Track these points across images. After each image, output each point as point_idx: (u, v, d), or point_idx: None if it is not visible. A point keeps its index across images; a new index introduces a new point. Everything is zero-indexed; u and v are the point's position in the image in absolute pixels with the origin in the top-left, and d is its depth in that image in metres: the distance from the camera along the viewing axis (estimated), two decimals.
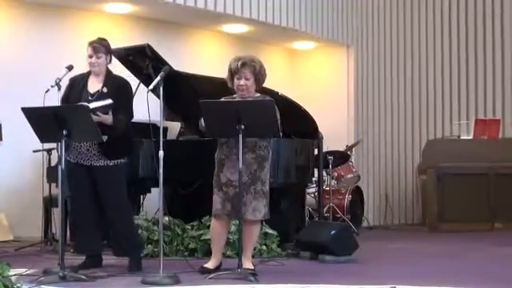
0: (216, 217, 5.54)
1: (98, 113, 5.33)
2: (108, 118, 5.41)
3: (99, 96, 5.53)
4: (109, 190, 5.57)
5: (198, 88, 7.27)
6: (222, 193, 5.47)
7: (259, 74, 5.50)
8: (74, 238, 6.05)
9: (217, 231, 5.59)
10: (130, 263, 5.64)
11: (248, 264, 5.45)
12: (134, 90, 6.00)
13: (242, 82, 5.46)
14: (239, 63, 5.46)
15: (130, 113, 5.57)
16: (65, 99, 5.58)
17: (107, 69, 5.69)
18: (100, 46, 5.60)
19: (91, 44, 5.62)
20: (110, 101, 5.38)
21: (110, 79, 5.65)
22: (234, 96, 5.61)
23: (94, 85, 5.63)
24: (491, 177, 9.77)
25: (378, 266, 6.17)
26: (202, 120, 5.45)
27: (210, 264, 5.52)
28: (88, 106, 5.27)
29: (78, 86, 5.64)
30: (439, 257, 6.98)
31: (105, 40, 5.70)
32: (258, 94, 5.60)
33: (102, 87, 5.59)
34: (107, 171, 5.56)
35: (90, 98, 5.55)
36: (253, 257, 6.22)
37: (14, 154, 7.87)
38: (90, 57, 5.60)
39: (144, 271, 5.42)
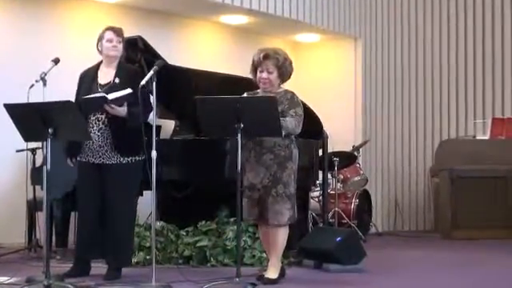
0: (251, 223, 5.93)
1: (112, 105, 5.37)
2: (122, 111, 5.47)
3: (110, 87, 5.57)
4: (116, 190, 5.59)
5: (194, 84, 7.27)
6: (247, 197, 5.55)
7: (283, 67, 5.56)
8: (78, 242, 6.00)
9: (260, 237, 5.89)
10: (109, 271, 5.64)
11: (270, 273, 5.53)
12: None
13: (265, 75, 5.53)
14: (262, 55, 5.53)
15: (147, 105, 5.55)
16: (77, 98, 5.64)
17: (120, 59, 5.76)
18: (120, 31, 5.72)
19: (112, 28, 5.71)
20: (129, 90, 5.42)
21: (123, 69, 5.71)
22: (258, 91, 5.66)
23: (106, 76, 5.68)
24: (509, 180, 9.77)
25: (387, 276, 6.18)
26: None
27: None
28: (106, 97, 5.32)
29: (88, 79, 5.70)
30: (453, 266, 6.98)
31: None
32: (282, 89, 5.64)
33: (114, 77, 5.64)
34: (118, 170, 5.59)
35: (99, 89, 5.59)
36: (252, 265, 6.26)
37: None
38: (111, 41, 5.67)
39: (132, 280, 5.44)
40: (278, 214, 5.49)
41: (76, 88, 5.74)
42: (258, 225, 5.77)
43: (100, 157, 5.60)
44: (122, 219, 5.64)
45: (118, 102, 5.43)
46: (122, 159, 5.61)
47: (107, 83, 5.64)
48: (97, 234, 5.67)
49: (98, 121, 5.55)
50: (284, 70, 5.57)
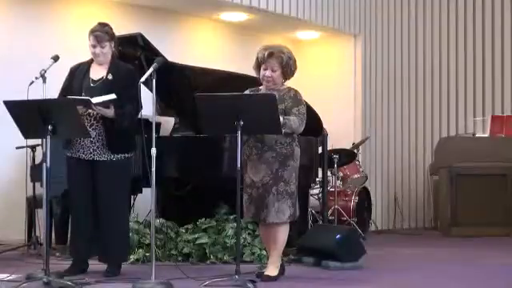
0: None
1: (99, 108, 5.35)
2: (109, 112, 5.44)
3: (103, 83, 5.55)
4: (107, 188, 5.56)
5: (194, 81, 7.27)
6: (247, 195, 5.55)
7: (287, 66, 5.55)
8: (71, 241, 5.99)
9: (261, 235, 5.88)
10: (109, 268, 5.64)
11: (270, 270, 5.54)
12: None
13: (268, 73, 5.53)
14: (266, 53, 5.52)
15: (138, 104, 5.53)
16: (65, 90, 5.61)
17: (112, 55, 5.71)
18: (103, 35, 5.61)
19: (93, 33, 5.62)
20: (113, 96, 5.39)
21: (115, 66, 5.67)
22: (260, 88, 5.66)
23: (98, 72, 5.65)
24: (509, 178, 9.77)
25: (387, 273, 6.18)
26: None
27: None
28: (90, 100, 5.30)
29: (80, 73, 5.67)
30: (452, 264, 6.98)
31: (106, 25, 5.69)
32: (285, 86, 5.64)
33: (107, 74, 5.61)
34: (109, 167, 5.56)
35: (91, 84, 5.57)
36: (251, 262, 6.26)
37: None
38: (94, 47, 5.61)
39: (131, 277, 5.43)
40: (278, 212, 5.48)
41: (64, 81, 5.71)
42: (258, 222, 5.76)
43: (91, 153, 5.58)
44: (114, 216, 5.61)
45: (103, 105, 5.41)
46: (112, 156, 5.58)
47: (100, 79, 5.62)
48: (90, 233, 5.66)
49: (90, 116, 5.51)
50: (288, 69, 5.56)
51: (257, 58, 5.57)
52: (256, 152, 5.50)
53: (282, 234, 5.59)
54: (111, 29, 5.68)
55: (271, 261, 5.59)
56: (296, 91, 5.61)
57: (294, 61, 5.61)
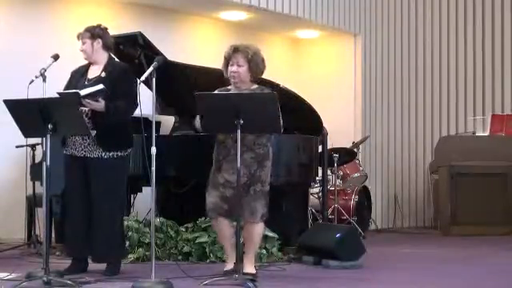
0: (212, 218, 5.65)
1: (88, 101, 5.34)
2: (98, 105, 5.43)
3: (96, 81, 5.57)
4: (98, 186, 5.55)
5: (194, 80, 7.27)
6: (219, 194, 5.51)
7: (252, 62, 5.49)
8: (66, 240, 5.99)
9: (218, 231, 5.72)
10: (108, 267, 5.64)
11: (249, 268, 5.52)
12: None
13: (234, 68, 5.50)
14: (231, 49, 5.52)
15: (132, 100, 5.50)
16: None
17: (109, 56, 5.75)
18: (83, 32, 5.69)
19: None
20: (100, 86, 5.40)
21: (110, 65, 5.71)
22: (229, 88, 5.62)
23: (94, 72, 5.69)
24: (508, 176, 9.78)
25: (387, 272, 6.18)
26: (197, 118, 5.50)
27: (229, 266, 5.62)
28: (79, 93, 5.30)
29: (78, 75, 5.73)
30: (452, 263, 6.99)
31: (95, 26, 5.73)
32: (256, 86, 5.62)
33: (101, 72, 5.64)
34: (100, 164, 5.55)
35: (86, 83, 5.59)
36: None
37: None
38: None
39: (131, 276, 5.43)
40: (253, 211, 5.48)
41: (66, 84, 5.74)
42: (214, 220, 5.65)
43: (82, 150, 5.57)
44: (104, 216, 5.56)
45: (92, 97, 5.39)
46: (103, 154, 5.56)
47: (94, 77, 5.64)
48: (85, 233, 5.64)
49: (81, 113, 5.51)
50: (254, 65, 5.50)
51: (224, 57, 5.58)
52: (234, 153, 5.41)
53: (258, 232, 5.61)
54: (97, 28, 5.72)
55: (247, 259, 5.56)
56: (268, 89, 5.58)
57: (263, 59, 5.55)
